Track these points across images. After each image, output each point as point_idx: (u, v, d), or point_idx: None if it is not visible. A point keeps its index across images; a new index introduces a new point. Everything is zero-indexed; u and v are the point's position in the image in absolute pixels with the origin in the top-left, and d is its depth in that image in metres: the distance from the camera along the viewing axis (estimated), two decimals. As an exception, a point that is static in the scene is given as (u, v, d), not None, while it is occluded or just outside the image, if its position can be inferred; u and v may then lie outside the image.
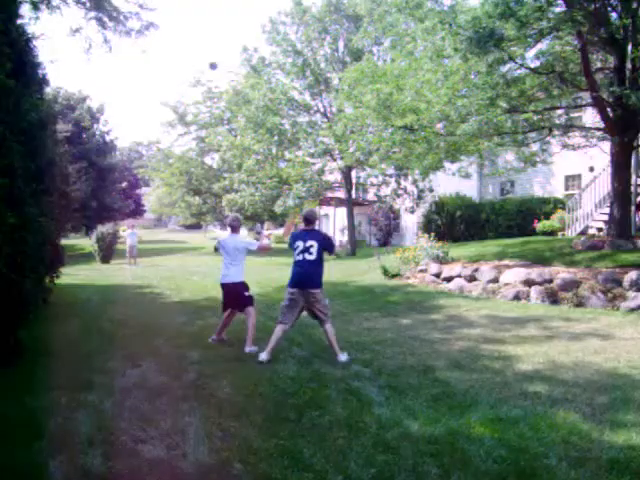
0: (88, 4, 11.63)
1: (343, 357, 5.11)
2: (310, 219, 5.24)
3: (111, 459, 2.96)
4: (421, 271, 11.27)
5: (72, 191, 20.14)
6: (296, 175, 20.53)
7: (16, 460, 2.92)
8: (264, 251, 6.67)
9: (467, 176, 17.97)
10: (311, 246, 5.02)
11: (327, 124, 21.04)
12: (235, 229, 6.04)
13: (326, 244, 5.19)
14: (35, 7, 9.58)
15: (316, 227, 5.52)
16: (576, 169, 17.08)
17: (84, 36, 12.44)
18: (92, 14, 11.64)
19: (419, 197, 20.52)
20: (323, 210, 30.90)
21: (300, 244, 5.08)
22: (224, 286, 5.89)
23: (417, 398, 4.00)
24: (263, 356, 4.99)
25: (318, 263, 5.11)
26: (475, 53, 8.70)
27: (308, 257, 5.01)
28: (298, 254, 5.08)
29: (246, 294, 5.86)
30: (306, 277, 5.08)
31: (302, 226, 5.42)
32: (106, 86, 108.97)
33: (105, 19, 11.79)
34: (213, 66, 5.94)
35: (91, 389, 4.17)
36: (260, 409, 3.78)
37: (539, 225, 15.65)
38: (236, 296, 5.84)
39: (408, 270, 11.75)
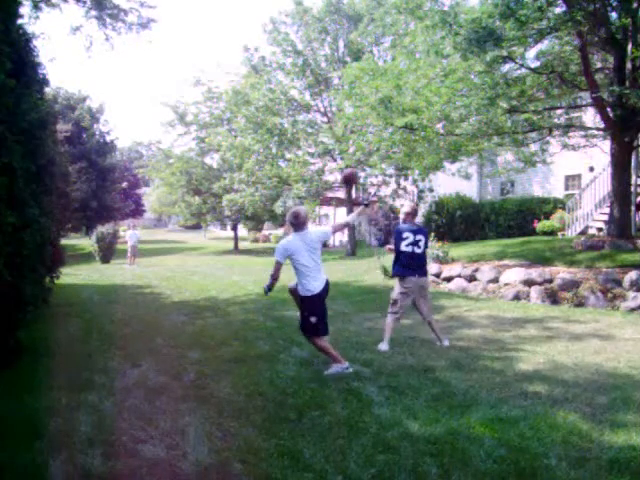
0: (89, 3, 11.61)
1: (446, 342, 5.67)
2: (414, 213, 5.72)
3: (111, 459, 2.96)
4: (421, 271, 11.25)
5: (72, 191, 20.18)
6: (296, 175, 20.54)
7: (16, 460, 2.92)
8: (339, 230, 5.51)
9: (467, 176, 17.95)
10: (419, 240, 5.55)
11: (327, 125, 21.03)
12: (300, 226, 4.69)
13: (427, 240, 5.76)
14: (36, 7, 9.58)
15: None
16: (576, 169, 17.07)
17: (85, 34, 12.44)
18: (93, 12, 11.63)
19: (419, 197, 20.49)
20: (323, 210, 30.88)
21: (410, 236, 5.52)
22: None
23: (417, 398, 4.00)
24: (384, 346, 5.43)
25: (425, 255, 5.71)
26: (475, 52, 8.70)
27: (417, 250, 5.53)
28: (407, 245, 5.52)
29: None
30: (418, 267, 5.60)
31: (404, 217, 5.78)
32: (106, 86, 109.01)
33: (105, 17, 11.77)
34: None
35: (91, 389, 4.17)
36: (260, 409, 3.78)
37: (539, 225, 15.64)
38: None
39: (408, 270, 11.73)
